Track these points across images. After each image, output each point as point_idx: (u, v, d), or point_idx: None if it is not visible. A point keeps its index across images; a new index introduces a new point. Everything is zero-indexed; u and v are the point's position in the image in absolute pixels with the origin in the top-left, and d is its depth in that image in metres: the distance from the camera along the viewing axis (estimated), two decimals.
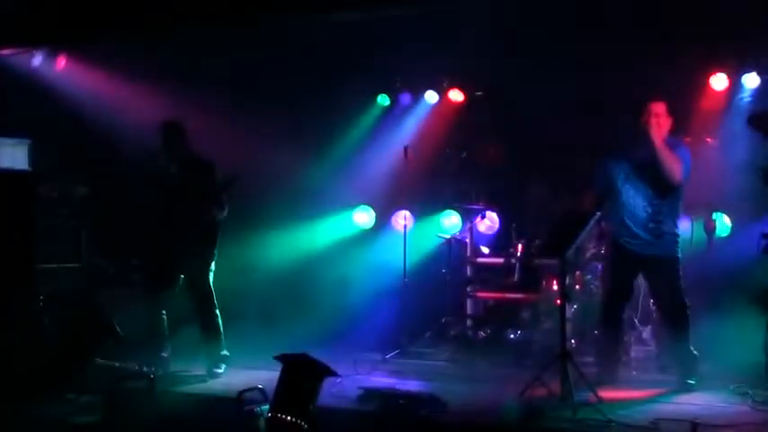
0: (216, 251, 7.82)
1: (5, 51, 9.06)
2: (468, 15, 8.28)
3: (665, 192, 7.19)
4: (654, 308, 8.10)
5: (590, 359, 7.86)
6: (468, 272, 9.38)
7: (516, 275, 8.86)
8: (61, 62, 9.65)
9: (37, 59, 9.47)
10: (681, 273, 7.25)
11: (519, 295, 8.84)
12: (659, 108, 7.19)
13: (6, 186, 8.35)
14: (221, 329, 7.82)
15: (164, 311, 7.83)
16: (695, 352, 7.23)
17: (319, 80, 9.71)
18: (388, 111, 10.47)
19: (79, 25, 8.51)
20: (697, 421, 5.67)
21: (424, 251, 9.75)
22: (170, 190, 7.77)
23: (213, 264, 7.81)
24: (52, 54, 9.58)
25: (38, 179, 8.45)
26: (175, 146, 7.77)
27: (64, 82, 9.62)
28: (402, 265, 9.31)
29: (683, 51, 8.73)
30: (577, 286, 8.56)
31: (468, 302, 9.31)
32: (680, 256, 7.28)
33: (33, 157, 8.88)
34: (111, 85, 9.49)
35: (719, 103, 9.15)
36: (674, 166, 7.08)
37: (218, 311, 7.81)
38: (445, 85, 10.22)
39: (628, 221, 7.26)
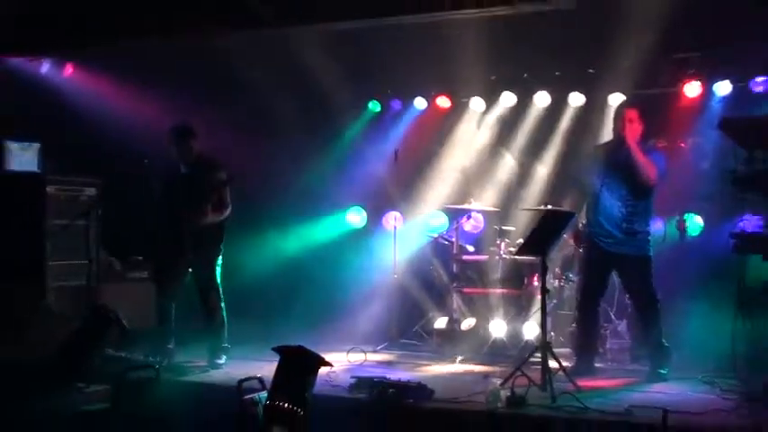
0: (222, 247, 7.88)
1: (15, 59, 9.09)
2: (456, 28, 8.35)
3: (639, 193, 7.29)
4: (628, 302, 8.17)
5: (568, 350, 7.99)
6: (455, 269, 9.34)
7: (499, 272, 8.89)
8: (68, 69, 9.67)
9: (45, 67, 9.50)
10: (652, 270, 7.35)
11: (502, 291, 8.85)
12: (632, 114, 7.29)
13: (17, 187, 8.41)
14: (225, 322, 7.86)
15: (173, 304, 7.89)
16: (667, 344, 7.32)
17: (313, 86, 9.66)
18: (378, 116, 10.49)
19: (85, 34, 8.55)
20: (668, 409, 5.70)
21: (413, 249, 9.76)
22: (179, 189, 7.82)
23: (220, 259, 7.86)
24: (60, 62, 9.61)
25: (47, 181, 8.47)
26: (185, 147, 7.82)
27: (72, 88, 9.64)
28: (392, 263, 9.36)
29: (659, 60, 8.85)
30: (557, 283, 8.63)
31: (454, 297, 9.32)
32: (651, 254, 7.37)
33: (43, 159, 8.89)
34: (118, 90, 9.51)
35: (693, 110, 9.15)
36: (648, 168, 7.17)
37: (223, 305, 7.86)
38: (433, 92, 10.24)
39: (603, 221, 7.34)
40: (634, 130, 7.27)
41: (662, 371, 7.24)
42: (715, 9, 7.50)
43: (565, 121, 9.65)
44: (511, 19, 7.51)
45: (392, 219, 9.69)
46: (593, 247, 7.52)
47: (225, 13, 7.96)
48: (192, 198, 7.71)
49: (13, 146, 8.77)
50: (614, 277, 7.84)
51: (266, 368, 6.39)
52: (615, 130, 7.39)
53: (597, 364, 7.69)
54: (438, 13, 7.35)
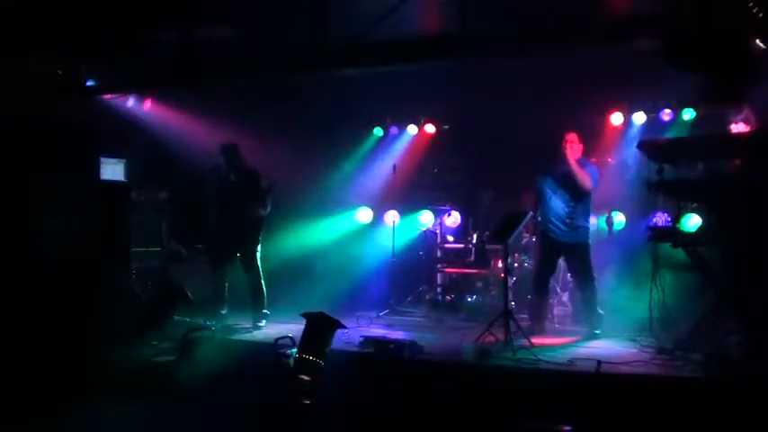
0: (261, 238, 7.79)
1: (108, 96, 9.01)
2: (439, 72, 8.24)
3: (578, 196, 7.22)
4: (570, 279, 8.09)
5: (525, 316, 7.85)
6: (438, 254, 9.39)
7: (472, 256, 8.87)
8: (147, 103, 9.59)
9: (130, 101, 9.41)
10: (590, 254, 7.25)
11: (474, 270, 8.85)
12: (573, 137, 7.26)
13: (109, 193, 8.37)
14: (265, 294, 7.76)
15: (226, 281, 7.80)
16: (601, 311, 7.26)
17: (336, 118, 9.71)
18: (381, 139, 10.47)
19: (162, 80, 8.48)
20: (600, 360, 5.70)
21: (407, 239, 9.70)
22: (229, 193, 7.75)
23: (260, 247, 7.77)
24: (141, 97, 9.51)
25: (131, 187, 8.42)
26: (233, 160, 7.76)
27: (149, 117, 9.54)
28: (391, 249, 9.29)
29: (592, 98, 8.77)
30: (516, 264, 8.53)
31: (438, 275, 9.32)
32: (589, 242, 7.29)
33: (128, 171, 8.85)
34: (184, 119, 9.41)
35: (617, 134, 9.19)
36: (584, 178, 7.12)
37: (263, 281, 7.77)
38: (422, 120, 10.23)
39: (552, 218, 7.28)
40: (574, 150, 7.22)
41: (596, 331, 7.16)
42: (635, 63, 7.38)
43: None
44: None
45: (391, 216, 9.60)
46: (545, 237, 7.43)
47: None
48: (241, 199, 7.66)
49: (106, 161, 8.68)
50: (560, 260, 7.71)
51: (296, 329, 6.37)
52: (560, 150, 7.27)
53: (547, 326, 7.56)
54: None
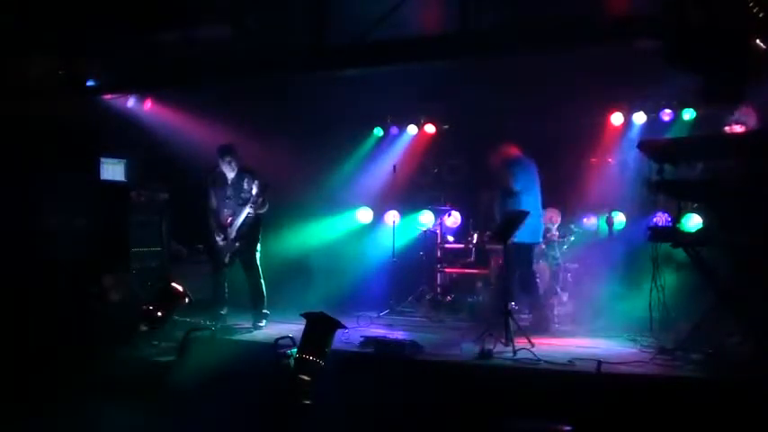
0: (260, 238, 7.78)
1: (108, 96, 9.01)
2: (440, 72, 8.23)
3: (506, 196, 7.42)
4: (570, 279, 8.07)
5: (525, 316, 7.83)
6: (439, 254, 9.38)
7: (472, 256, 8.88)
8: (148, 104, 9.58)
9: (130, 101, 9.40)
10: (525, 253, 7.38)
11: (474, 270, 8.85)
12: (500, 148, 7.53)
13: (109, 193, 8.39)
14: (264, 294, 7.74)
15: (225, 281, 7.77)
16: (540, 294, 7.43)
17: (336, 118, 9.70)
18: (381, 139, 10.47)
19: (162, 80, 8.48)
20: (601, 360, 5.68)
21: (407, 239, 9.70)
22: (228, 192, 7.72)
23: (259, 246, 7.75)
24: (141, 97, 9.50)
25: (131, 188, 8.42)
26: (230, 160, 7.72)
27: (150, 118, 9.53)
28: (391, 249, 9.28)
29: (592, 98, 8.77)
30: None
31: (439, 275, 9.32)
32: (527, 241, 7.34)
33: (128, 171, 8.85)
34: (184, 119, 9.39)
35: (617, 134, 9.20)
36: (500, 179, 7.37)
37: (263, 281, 7.75)
38: (422, 120, 10.23)
39: None
40: (498, 155, 7.51)
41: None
42: (635, 63, 7.37)
43: None
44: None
45: (391, 216, 9.59)
46: None
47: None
48: (239, 199, 7.65)
49: (107, 161, 8.71)
50: (558, 258, 7.69)
51: (296, 329, 6.36)
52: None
53: (547, 326, 7.54)
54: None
